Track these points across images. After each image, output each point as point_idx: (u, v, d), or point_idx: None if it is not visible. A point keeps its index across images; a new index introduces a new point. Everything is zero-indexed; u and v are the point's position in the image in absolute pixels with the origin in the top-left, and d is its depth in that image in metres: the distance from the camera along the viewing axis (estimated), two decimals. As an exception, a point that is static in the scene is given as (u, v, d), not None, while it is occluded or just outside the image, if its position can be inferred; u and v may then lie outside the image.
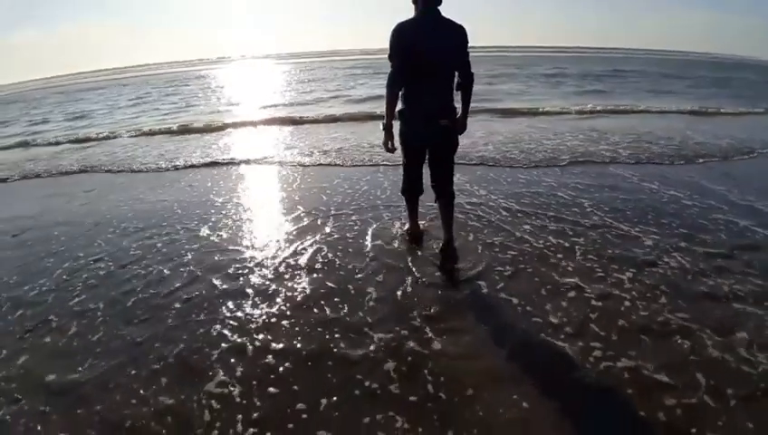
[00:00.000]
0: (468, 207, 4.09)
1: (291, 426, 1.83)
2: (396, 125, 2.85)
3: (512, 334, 2.35)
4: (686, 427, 1.77)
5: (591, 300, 2.63)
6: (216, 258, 3.32)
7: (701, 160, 5.84)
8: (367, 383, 2.05)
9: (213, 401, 1.98)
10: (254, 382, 2.08)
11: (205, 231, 3.84)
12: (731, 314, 2.47)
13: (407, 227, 3.53)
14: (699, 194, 4.40)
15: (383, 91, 2.84)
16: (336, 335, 2.38)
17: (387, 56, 2.73)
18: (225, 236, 3.73)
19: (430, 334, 2.37)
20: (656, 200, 4.24)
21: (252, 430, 1.83)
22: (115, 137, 9.64)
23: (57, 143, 9.59)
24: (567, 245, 3.33)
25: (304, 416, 1.88)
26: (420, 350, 2.26)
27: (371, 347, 2.29)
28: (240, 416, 1.90)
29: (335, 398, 1.97)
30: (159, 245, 3.63)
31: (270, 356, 2.24)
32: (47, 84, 48.62)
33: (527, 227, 3.65)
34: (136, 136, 9.56)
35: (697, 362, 2.11)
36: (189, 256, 3.38)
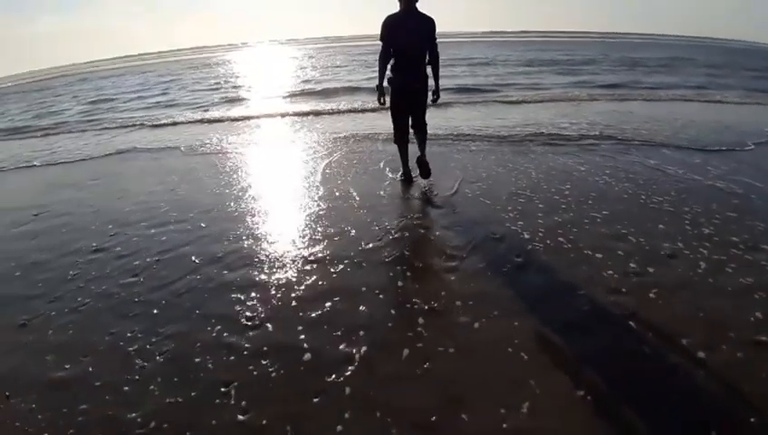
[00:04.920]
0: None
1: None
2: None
3: (483, 224, 3.44)
4: (601, 282, 2.65)
5: (539, 203, 3.80)
6: (218, 249, 3.26)
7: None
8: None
9: (206, 406, 1.90)
10: (249, 381, 2.01)
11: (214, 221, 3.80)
12: (646, 213, 3.52)
13: (400, 173, 4.55)
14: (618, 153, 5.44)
15: None
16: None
17: (379, 38, 3.85)
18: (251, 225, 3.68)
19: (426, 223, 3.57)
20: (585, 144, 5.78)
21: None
22: (134, 125, 9.68)
23: (80, 131, 9.71)
24: (521, 168, 4.71)
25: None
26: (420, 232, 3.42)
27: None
28: (238, 417, 1.82)
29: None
30: (163, 237, 3.58)
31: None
32: (70, 72, 49.14)
33: (492, 157, 5.24)
34: (156, 126, 9.50)
35: (616, 241, 3.08)
36: (189, 247, 3.32)
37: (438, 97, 4.18)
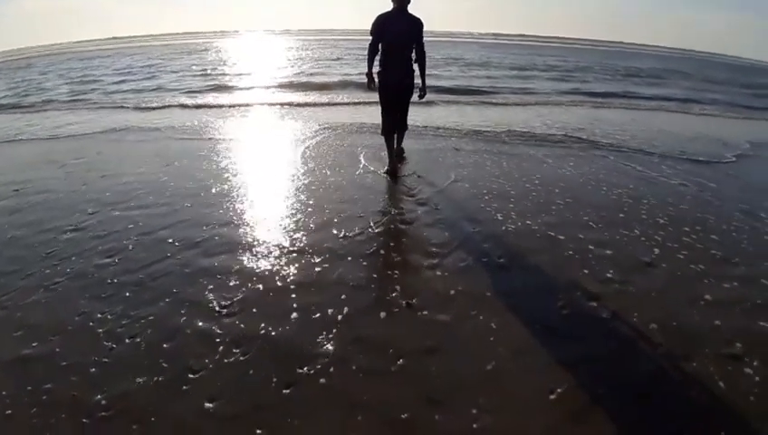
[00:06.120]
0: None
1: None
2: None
3: (465, 220, 3.53)
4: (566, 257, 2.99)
5: (510, 191, 4.16)
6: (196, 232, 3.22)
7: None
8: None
9: (173, 392, 1.88)
10: (219, 368, 1.99)
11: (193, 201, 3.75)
12: (606, 201, 3.98)
13: (386, 167, 4.66)
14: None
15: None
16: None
17: (369, 33, 4.13)
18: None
19: (411, 209, 3.72)
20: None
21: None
22: (120, 107, 9.54)
23: (65, 110, 9.53)
24: (495, 159, 5.18)
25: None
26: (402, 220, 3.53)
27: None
28: (205, 405, 1.81)
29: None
30: (143, 219, 3.53)
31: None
32: (56, 51, 47.80)
33: (469, 148, 5.68)
34: (145, 109, 9.36)
35: (577, 226, 3.42)
36: (168, 230, 3.28)
37: (425, 94, 4.45)
